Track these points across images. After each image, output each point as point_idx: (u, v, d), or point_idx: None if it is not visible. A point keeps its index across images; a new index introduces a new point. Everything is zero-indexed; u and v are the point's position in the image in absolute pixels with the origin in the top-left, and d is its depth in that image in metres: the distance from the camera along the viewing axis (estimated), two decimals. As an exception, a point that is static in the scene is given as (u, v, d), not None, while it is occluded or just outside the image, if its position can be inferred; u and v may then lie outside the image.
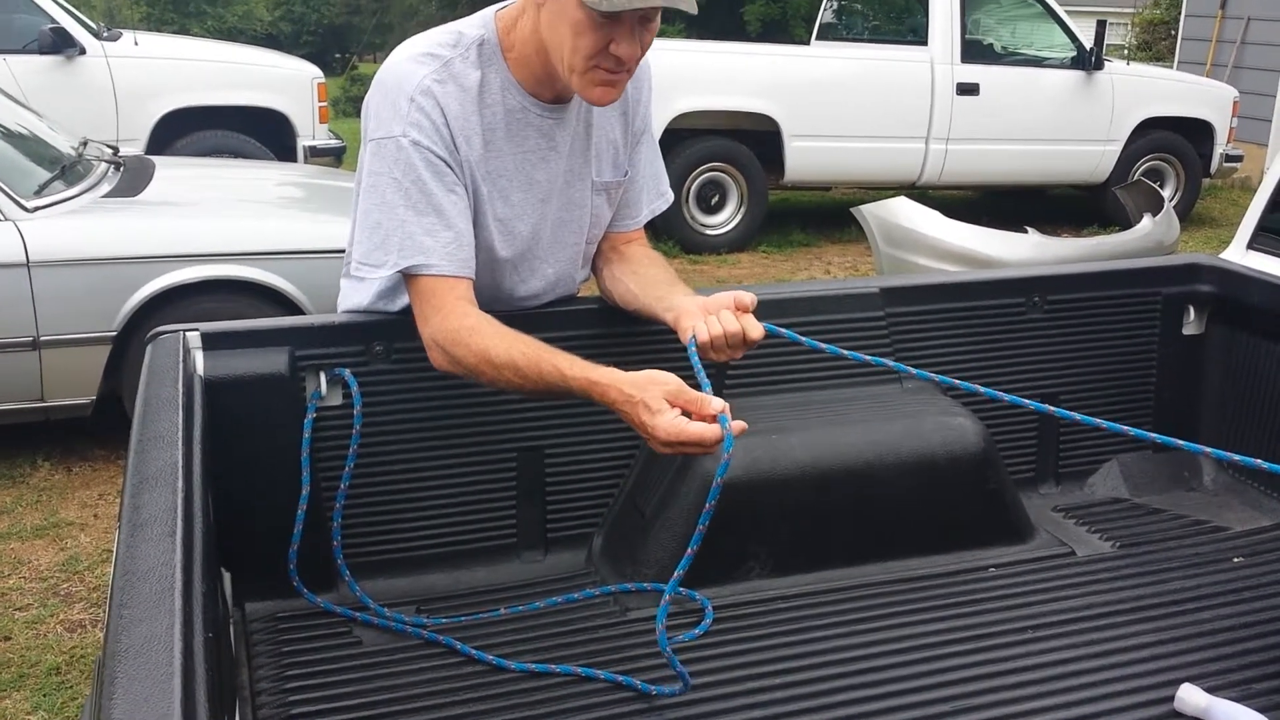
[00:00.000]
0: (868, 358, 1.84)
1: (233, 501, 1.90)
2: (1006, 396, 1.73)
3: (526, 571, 2.12)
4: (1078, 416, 1.70)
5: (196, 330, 1.90)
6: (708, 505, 1.57)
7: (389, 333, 1.99)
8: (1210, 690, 1.76)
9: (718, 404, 1.59)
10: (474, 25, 1.85)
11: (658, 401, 1.60)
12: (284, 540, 1.94)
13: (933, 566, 2.15)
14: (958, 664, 1.86)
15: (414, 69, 1.79)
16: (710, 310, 1.81)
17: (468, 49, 1.82)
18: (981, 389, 1.75)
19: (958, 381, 1.80)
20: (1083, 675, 1.83)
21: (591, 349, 2.07)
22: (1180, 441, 1.60)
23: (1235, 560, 2.22)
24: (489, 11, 1.87)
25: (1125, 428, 1.64)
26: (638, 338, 2.09)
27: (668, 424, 1.58)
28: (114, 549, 1.21)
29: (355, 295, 2.02)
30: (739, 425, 1.58)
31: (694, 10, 1.67)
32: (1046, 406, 1.72)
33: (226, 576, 1.93)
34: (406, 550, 2.07)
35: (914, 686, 1.80)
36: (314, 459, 1.95)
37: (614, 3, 1.63)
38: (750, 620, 1.98)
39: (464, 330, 1.77)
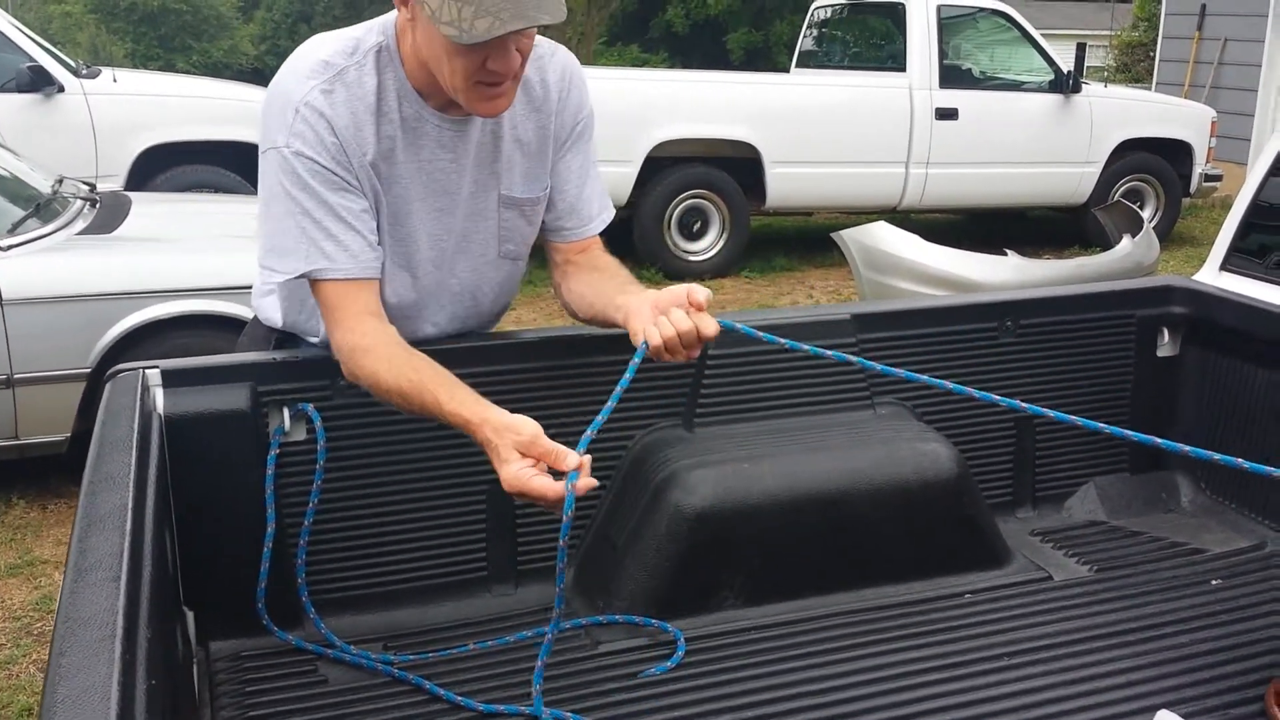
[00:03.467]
0: (830, 353, 1.82)
1: (196, 540, 1.87)
2: (976, 393, 1.71)
3: (497, 605, 2.09)
4: (1051, 414, 1.69)
5: (156, 368, 1.88)
6: (560, 566, 1.60)
7: (353, 367, 1.96)
8: (1188, 716, 1.74)
9: (572, 460, 1.57)
10: (373, 32, 1.82)
11: (507, 451, 1.59)
12: (248, 578, 1.91)
13: (908, 594, 2.13)
14: (934, 692, 1.84)
15: (301, 81, 1.77)
16: (661, 309, 1.76)
17: (364, 56, 1.79)
18: (952, 385, 1.74)
19: (928, 379, 1.78)
20: (1060, 702, 1.81)
21: (542, 382, 2.07)
22: (1159, 440, 1.58)
23: (1213, 583, 2.21)
24: (390, 17, 1.83)
25: (1101, 425, 1.62)
26: (585, 369, 2.08)
27: (511, 476, 1.58)
28: (58, 595, 1.19)
29: (268, 309, 2.04)
30: (585, 484, 1.57)
31: (561, 19, 1.63)
32: (1019, 404, 1.71)
33: (190, 616, 1.90)
34: (374, 586, 2.04)
35: (890, 716, 1.78)
36: (278, 495, 1.92)
37: (472, 35, 1.61)
38: (723, 651, 1.96)
39: (358, 350, 1.76)
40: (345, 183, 1.78)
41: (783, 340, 1.83)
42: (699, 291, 1.77)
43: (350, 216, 1.79)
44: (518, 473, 1.57)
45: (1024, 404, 1.73)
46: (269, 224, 1.81)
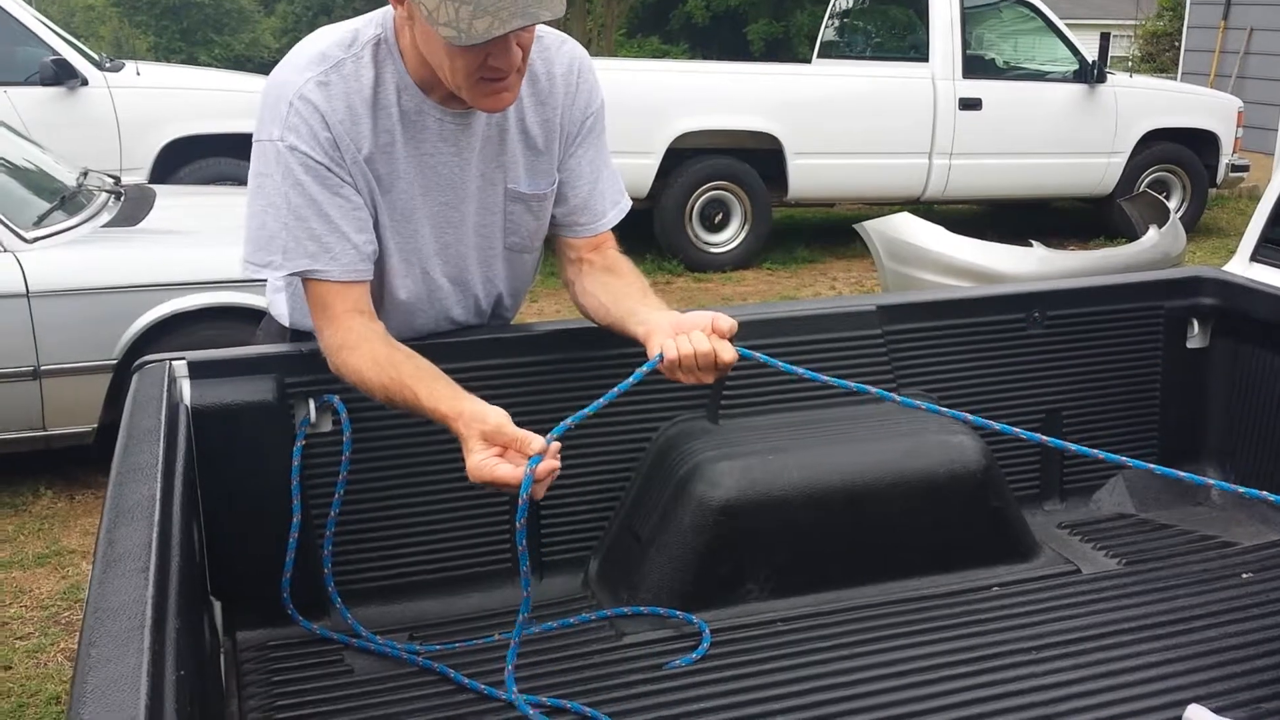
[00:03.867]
0: (852, 384, 1.77)
1: (223, 530, 1.88)
2: (999, 426, 1.68)
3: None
4: (1073, 447, 1.67)
5: (183, 359, 1.88)
6: (518, 524, 1.59)
7: (378, 358, 1.96)
8: (1218, 710, 1.72)
9: (537, 444, 1.57)
10: (371, 24, 1.80)
11: (473, 441, 1.59)
12: (275, 569, 1.91)
13: (934, 587, 2.12)
14: (960, 686, 1.83)
15: (297, 73, 1.75)
16: (682, 329, 1.74)
17: (362, 49, 1.77)
18: (971, 418, 1.70)
19: (946, 411, 1.75)
20: (1088, 696, 1.80)
21: (558, 375, 2.06)
22: (1180, 473, 1.56)
23: (1244, 576, 2.18)
24: (387, 9, 1.80)
25: (1123, 458, 1.60)
26: (601, 362, 2.07)
27: (474, 466, 1.58)
28: (87, 585, 1.19)
29: (280, 305, 2.04)
30: (547, 466, 1.56)
31: (561, 13, 1.61)
32: (1039, 437, 1.67)
33: (217, 606, 1.91)
34: (399, 576, 2.05)
35: (916, 710, 1.77)
36: (304, 486, 1.93)
37: (471, 36, 1.58)
38: (748, 643, 1.95)
39: (343, 348, 1.76)
40: (338, 179, 1.76)
41: (800, 370, 1.78)
42: (724, 320, 1.75)
43: (339, 217, 1.77)
44: (480, 462, 1.57)
45: (1045, 439, 1.68)
46: (254, 218, 1.79)
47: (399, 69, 1.78)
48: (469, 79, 1.68)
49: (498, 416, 1.61)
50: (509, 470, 1.56)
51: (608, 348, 2.04)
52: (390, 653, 1.90)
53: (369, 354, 1.74)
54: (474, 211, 1.91)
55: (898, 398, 1.80)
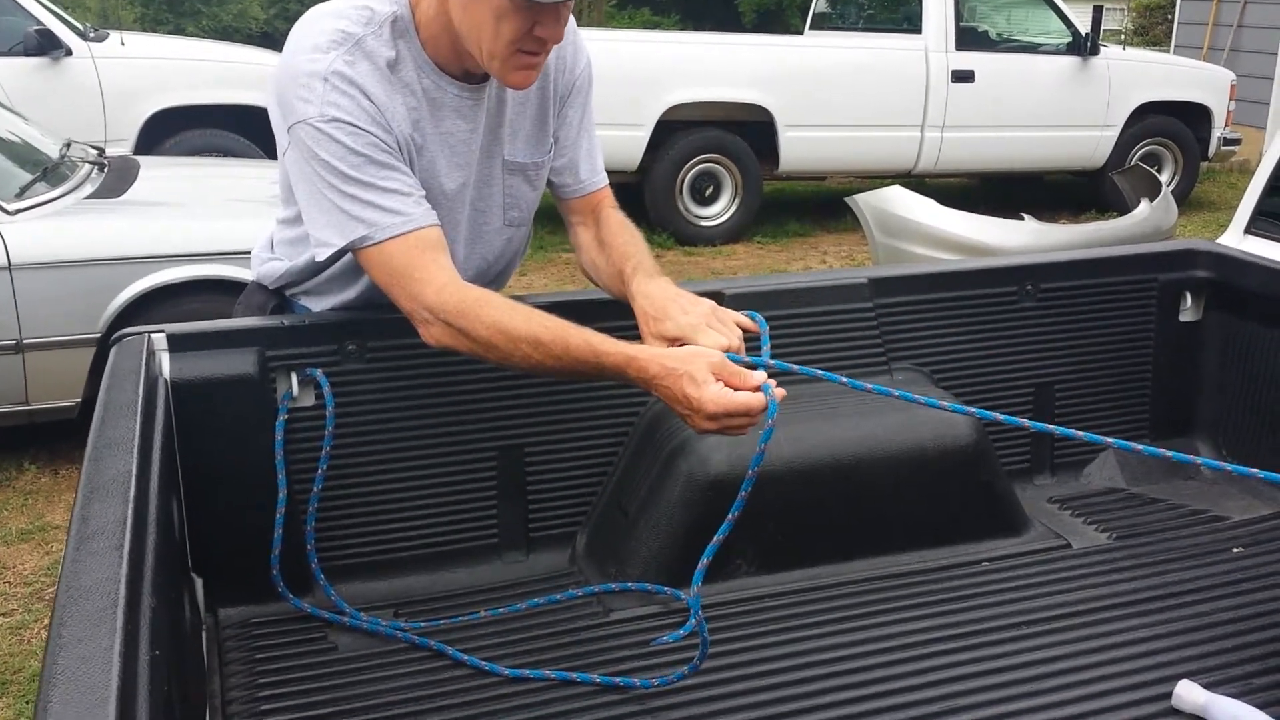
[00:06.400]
0: (844, 379, 1.71)
1: (204, 506, 1.85)
2: (1005, 418, 1.64)
3: (508, 572, 2.07)
4: (1056, 430, 1.63)
5: (162, 332, 1.85)
6: (750, 472, 1.57)
7: (361, 331, 1.94)
8: (1209, 686, 1.71)
9: (759, 375, 1.58)
10: (385, 1, 1.75)
11: (703, 373, 1.57)
12: (256, 545, 1.89)
13: (924, 561, 2.10)
14: (950, 661, 1.82)
15: (322, 53, 1.68)
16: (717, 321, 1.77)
17: (380, 26, 1.72)
18: (976, 411, 1.67)
19: (973, 411, 1.71)
20: (1078, 672, 1.79)
21: None
22: (1169, 452, 1.54)
23: (1235, 550, 2.17)
24: None
25: (1109, 439, 1.58)
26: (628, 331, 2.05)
27: (715, 395, 1.55)
28: (60, 564, 1.17)
29: (269, 274, 1.99)
30: (781, 391, 1.57)
31: None
32: (1021, 420, 1.63)
33: (199, 582, 1.89)
34: (384, 552, 2.02)
35: (905, 685, 1.76)
36: (287, 461, 1.90)
37: None
38: (737, 619, 1.94)
39: (470, 301, 1.67)
40: (386, 145, 1.71)
41: (818, 371, 1.73)
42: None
43: (401, 174, 1.72)
44: (720, 391, 1.56)
45: (1026, 423, 1.64)
46: (315, 203, 1.72)
47: (415, 46, 1.74)
48: (508, 48, 1.64)
49: (718, 352, 1.62)
50: (749, 396, 1.56)
51: (599, 320, 2.01)
52: (375, 629, 1.88)
53: (504, 307, 1.67)
54: (477, 185, 1.89)
55: (921, 399, 1.71)
